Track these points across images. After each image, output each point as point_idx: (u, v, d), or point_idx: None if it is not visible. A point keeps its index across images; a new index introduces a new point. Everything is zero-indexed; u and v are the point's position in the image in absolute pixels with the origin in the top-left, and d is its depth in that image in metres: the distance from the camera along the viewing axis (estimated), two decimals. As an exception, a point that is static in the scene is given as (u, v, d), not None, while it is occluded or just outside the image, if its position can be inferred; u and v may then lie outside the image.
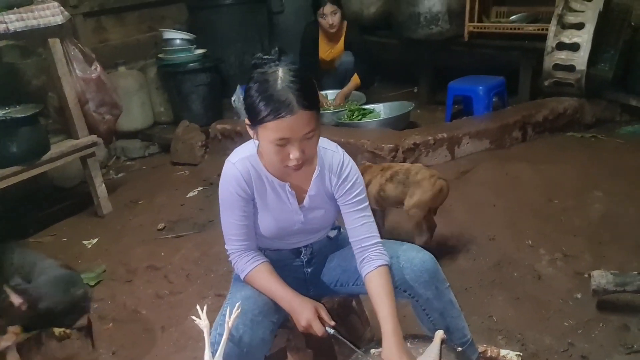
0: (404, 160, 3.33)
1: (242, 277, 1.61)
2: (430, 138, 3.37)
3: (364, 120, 3.87)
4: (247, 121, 1.47)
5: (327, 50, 4.59)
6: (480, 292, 2.42)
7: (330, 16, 4.35)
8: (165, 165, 4.33)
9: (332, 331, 1.55)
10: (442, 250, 2.72)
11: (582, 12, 3.62)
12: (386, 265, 1.57)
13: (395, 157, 3.33)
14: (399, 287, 1.61)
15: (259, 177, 1.57)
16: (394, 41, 4.76)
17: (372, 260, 1.57)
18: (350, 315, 1.98)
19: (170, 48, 4.51)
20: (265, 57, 1.44)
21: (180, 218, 3.37)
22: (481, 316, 2.26)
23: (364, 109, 4.01)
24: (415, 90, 5.01)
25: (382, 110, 4.02)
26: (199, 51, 4.57)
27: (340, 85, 4.56)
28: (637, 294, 2.10)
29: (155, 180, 4.07)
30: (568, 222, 2.78)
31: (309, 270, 1.76)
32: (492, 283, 2.47)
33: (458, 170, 3.33)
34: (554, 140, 3.66)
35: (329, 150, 1.60)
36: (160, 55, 4.58)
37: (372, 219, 1.63)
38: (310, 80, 1.44)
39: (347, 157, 1.62)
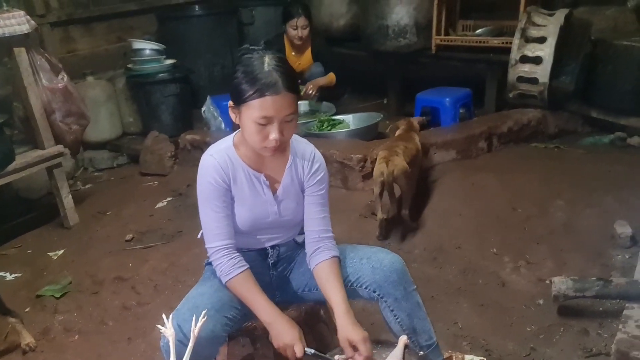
0: (372, 171, 3.36)
1: (223, 281, 1.62)
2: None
3: (333, 130, 3.91)
4: (230, 103, 1.55)
5: (295, 62, 4.62)
6: (446, 300, 2.46)
7: (300, 29, 4.41)
8: (134, 176, 4.29)
9: (312, 351, 1.56)
10: (409, 258, 2.76)
11: (544, 26, 3.73)
12: (338, 257, 1.66)
13: (364, 167, 3.37)
14: (369, 288, 1.66)
15: (236, 168, 1.62)
16: (363, 53, 4.82)
17: (326, 251, 1.65)
18: (319, 324, 1.99)
19: (140, 58, 4.49)
20: (252, 47, 1.53)
21: (148, 229, 3.35)
22: (447, 323, 2.31)
23: (334, 120, 4.05)
24: (385, 101, 5.07)
25: (351, 121, 4.07)
26: (169, 61, 4.56)
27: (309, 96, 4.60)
28: (595, 299, 2.17)
29: (123, 191, 4.03)
30: (531, 230, 2.85)
31: (275, 273, 1.79)
32: (457, 290, 2.51)
33: (426, 180, 3.38)
34: (519, 150, 3.75)
35: (301, 142, 1.70)
36: (129, 66, 4.56)
37: (329, 215, 1.72)
38: (293, 69, 1.57)
39: (318, 152, 1.71)
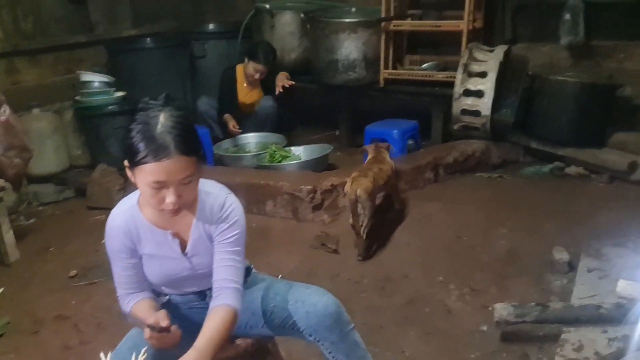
0: (322, 202, 3.41)
1: (127, 317, 1.60)
2: (347, 179, 3.46)
3: (284, 162, 3.94)
4: (126, 162, 1.48)
5: (246, 94, 4.67)
6: (394, 329, 2.48)
7: (259, 74, 4.50)
8: (81, 210, 4.19)
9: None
10: (358, 288, 2.79)
11: (485, 61, 3.90)
12: (235, 309, 1.56)
13: (313, 198, 3.40)
14: (305, 332, 1.65)
15: (140, 228, 1.58)
16: (314, 86, 4.91)
17: (225, 299, 1.56)
18: (267, 357, 1.98)
19: (88, 91, 4.44)
20: (151, 101, 1.48)
21: (94, 264, 3.26)
22: (395, 352, 2.32)
23: (284, 152, 4.09)
24: (337, 133, 5.15)
25: (302, 152, 4.12)
26: (119, 94, 4.52)
27: (260, 128, 4.64)
28: (535, 323, 2.23)
29: (69, 225, 3.92)
30: (476, 258, 2.92)
31: (216, 312, 1.76)
32: (405, 319, 2.54)
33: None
34: (464, 180, 3.86)
35: (212, 193, 1.62)
36: (77, 98, 4.49)
37: (241, 265, 1.63)
38: (192, 127, 1.48)
39: (232, 199, 1.63)
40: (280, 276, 2.72)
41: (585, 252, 2.71)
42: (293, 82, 4.51)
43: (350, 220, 3.00)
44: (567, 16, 4.04)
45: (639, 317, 1.66)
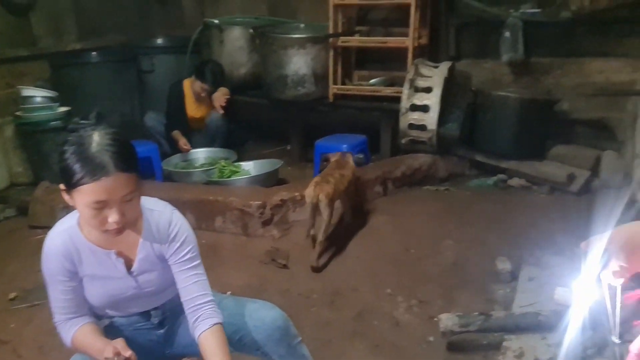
0: (272, 217, 3.41)
1: (67, 345, 1.55)
2: (297, 194, 3.48)
3: (234, 177, 3.93)
4: (61, 186, 1.44)
5: (195, 108, 4.64)
6: (343, 343, 2.49)
7: (205, 92, 4.49)
8: (22, 229, 4.03)
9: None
10: (308, 303, 2.79)
11: (430, 77, 4.01)
12: (220, 323, 1.58)
13: (263, 213, 3.39)
14: (252, 346, 1.65)
15: (80, 248, 1.54)
16: (264, 101, 4.92)
17: (206, 319, 1.57)
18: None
19: (30, 106, 4.30)
20: (82, 121, 1.47)
21: (35, 286, 3.13)
22: (343, 366, 2.34)
23: (234, 167, 4.07)
24: (288, 148, 5.17)
25: (251, 168, 4.11)
26: (63, 109, 4.39)
27: (210, 143, 4.62)
28: (479, 332, 2.29)
29: (9, 245, 3.77)
30: (423, 270, 2.98)
31: (162, 331, 1.73)
32: (354, 333, 2.56)
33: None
34: (412, 193, 3.93)
35: (156, 211, 1.61)
36: (18, 113, 4.35)
37: (205, 277, 1.64)
38: (129, 143, 1.46)
39: (177, 216, 1.63)
40: (229, 293, 2.71)
41: (527, 261, 2.80)
42: (228, 97, 4.52)
43: (308, 228, 3.06)
44: (507, 34, 4.20)
45: (569, 324, 1.72)
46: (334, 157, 3.50)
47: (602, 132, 4.16)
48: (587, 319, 1.72)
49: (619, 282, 0.95)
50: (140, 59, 5.20)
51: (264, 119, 5.31)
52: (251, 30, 4.77)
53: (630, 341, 1.38)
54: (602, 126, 4.16)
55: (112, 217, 1.41)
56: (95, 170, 1.35)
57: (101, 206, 1.39)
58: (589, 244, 0.96)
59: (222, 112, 4.54)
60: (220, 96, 4.54)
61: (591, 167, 3.85)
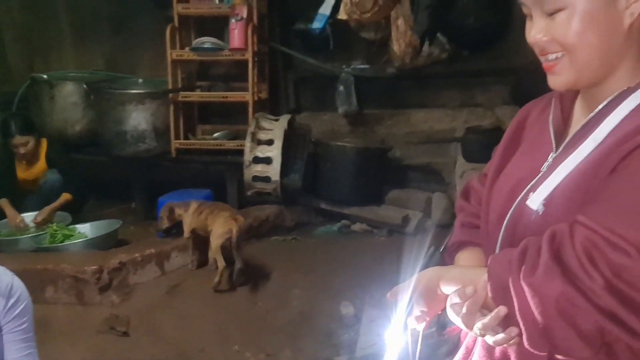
0: (110, 282, 3.20)
1: None
2: (137, 255, 3.32)
3: (67, 242, 3.64)
4: None
5: (27, 170, 4.28)
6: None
7: (21, 147, 4.12)
8: None
9: None
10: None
11: (271, 130, 4.11)
12: None
13: (100, 278, 3.17)
14: None
15: None
16: (104, 158, 4.69)
17: None
18: None
19: None
20: None
21: None
22: None
23: (68, 230, 3.78)
24: (133, 206, 4.94)
25: (88, 230, 3.85)
26: None
27: (45, 206, 4.24)
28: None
29: None
30: (271, 323, 2.97)
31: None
32: (199, 397, 2.45)
33: (168, 284, 3.32)
34: (260, 245, 3.93)
35: None
36: None
37: (36, 349, 1.54)
38: None
39: (18, 281, 1.53)
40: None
41: (369, 303, 2.91)
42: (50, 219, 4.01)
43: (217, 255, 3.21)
44: (341, 88, 4.47)
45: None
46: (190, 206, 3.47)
47: (431, 176, 4.53)
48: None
49: (421, 327, 1.01)
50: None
51: (104, 177, 5.04)
52: (85, 86, 4.55)
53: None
54: (430, 170, 4.54)
55: None
56: None
57: None
58: (394, 293, 1.01)
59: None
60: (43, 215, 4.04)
61: (423, 209, 4.16)
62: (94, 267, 3.18)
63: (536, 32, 0.91)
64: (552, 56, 0.90)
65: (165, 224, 3.55)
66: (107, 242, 3.66)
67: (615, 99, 0.89)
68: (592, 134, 0.89)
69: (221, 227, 3.25)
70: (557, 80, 0.92)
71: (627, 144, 0.82)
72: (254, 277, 3.39)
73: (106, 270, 3.19)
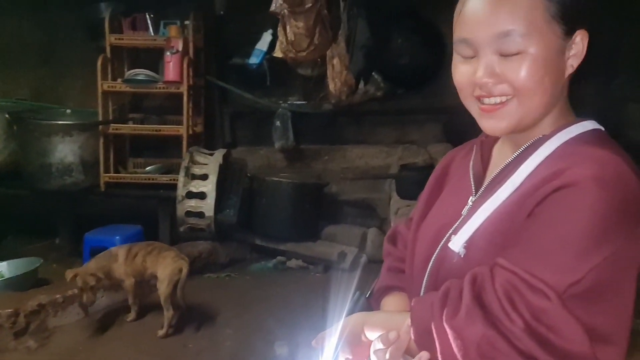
0: (27, 326, 2.98)
1: None
2: (59, 296, 3.12)
3: (-21, 284, 3.38)
4: None
5: None
6: None
7: None
8: None
9: None
10: None
11: (206, 164, 4.03)
12: None
13: (15, 322, 2.94)
14: None
15: None
16: (25, 192, 4.44)
17: None
18: None
19: None
20: None
21: None
22: None
23: (-19, 271, 3.53)
24: (57, 241, 4.68)
25: (5, 269, 3.59)
26: None
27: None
28: None
29: None
30: (201, 365, 2.84)
31: None
32: None
33: (92, 328, 3.13)
34: (192, 283, 3.76)
35: None
36: None
37: None
38: None
39: None
40: None
41: (303, 342, 2.84)
42: None
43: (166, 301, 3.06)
44: (278, 123, 4.47)
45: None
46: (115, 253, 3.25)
47: (367, 211, 4.57)
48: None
49: (347, 373, 0.97)
50: None
51: (26, 211, 4.76)
52: (7, 115, 4.33)
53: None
54: (366, 206, 4.58)
55: None
56: None
57: None
58: (320, 339, 0.98)
59: None
60: None
61: (359, 244, 4.16)
62: (9, 310, 2.95)
63: (484, 73, 0.87)
64: (497, 99, 0.88)
65: (91, 298, 3.02)
66: (25, 282, 3.43)
67: (532, 145, 0.91)
68: (510, 178, 0.90)
69: (169, 268, 3.09)
70: (497, 124, 0.90)
71: (542, 189, 0.83)
72: (185, 317, 3.26)
73: (23, 314, 2.97)
